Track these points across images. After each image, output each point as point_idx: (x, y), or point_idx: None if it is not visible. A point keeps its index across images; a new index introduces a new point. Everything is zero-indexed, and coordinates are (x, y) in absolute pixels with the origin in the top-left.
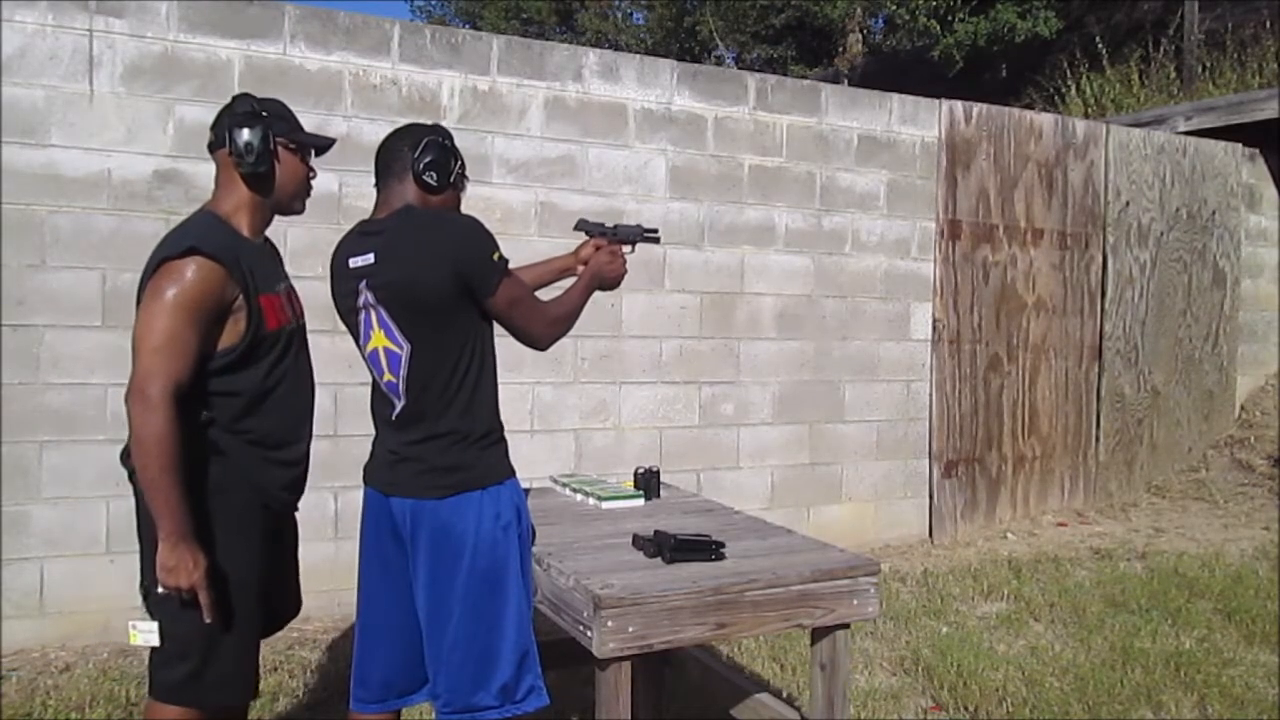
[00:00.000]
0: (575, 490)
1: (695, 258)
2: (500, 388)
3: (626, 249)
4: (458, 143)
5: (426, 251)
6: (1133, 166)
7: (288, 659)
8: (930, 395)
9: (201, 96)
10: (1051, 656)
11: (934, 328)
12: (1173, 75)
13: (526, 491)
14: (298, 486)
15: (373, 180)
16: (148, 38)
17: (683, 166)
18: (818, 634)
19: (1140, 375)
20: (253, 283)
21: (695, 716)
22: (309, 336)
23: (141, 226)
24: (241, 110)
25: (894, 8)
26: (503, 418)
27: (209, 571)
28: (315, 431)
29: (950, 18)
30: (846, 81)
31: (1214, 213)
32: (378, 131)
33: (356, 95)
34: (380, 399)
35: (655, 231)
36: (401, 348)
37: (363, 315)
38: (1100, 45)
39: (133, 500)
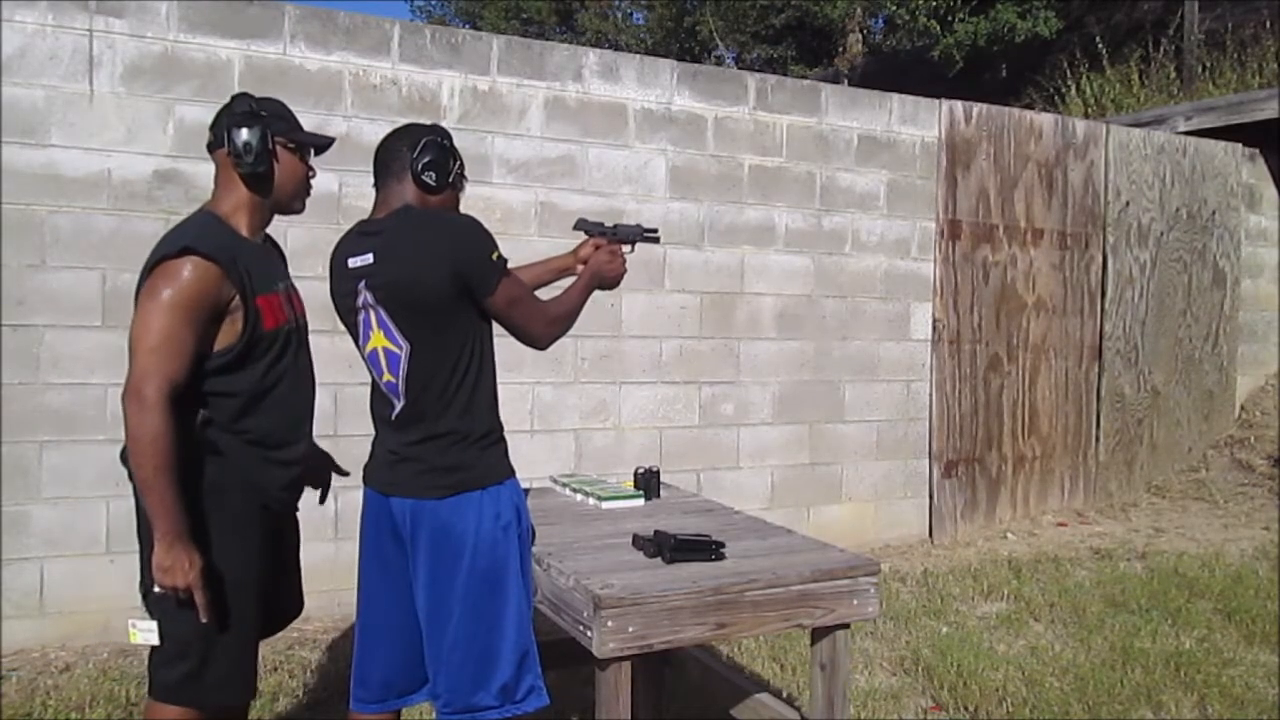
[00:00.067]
0: (575, 490)
1: (695, 258)
2: (500, 388)
3: (626, 248)
4: (457, 143)
5: (425, 251)
6: (1133, 166)
7: (288, 659)
8: (930, 395)
9: (201, 96)
10: (1051, 656)
11: (934, 328)
12: (1173, 75)
13: (526, 491)
14: (297, 486)
15: (372, 180)
16: (148, 38)
17: (683, 166)
18: (818, 634)
19: (1140, 375)
20: (250, 283)
21: (695, 716)
22: (309, 336)
23: (141, 226)
24: (240, 110)
25: (894, 8)
26: (503, 418)
27: (205, 571)
28: (315, 431)
29: (950, 18)
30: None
31: (1214, 213)
32: (378, 131)
33: (356, 95)
34: (380, 399)
35: (655, 231)
36: (401, 348)
37: (362, 315)
38: (1100, 45)
39: (132, 500)
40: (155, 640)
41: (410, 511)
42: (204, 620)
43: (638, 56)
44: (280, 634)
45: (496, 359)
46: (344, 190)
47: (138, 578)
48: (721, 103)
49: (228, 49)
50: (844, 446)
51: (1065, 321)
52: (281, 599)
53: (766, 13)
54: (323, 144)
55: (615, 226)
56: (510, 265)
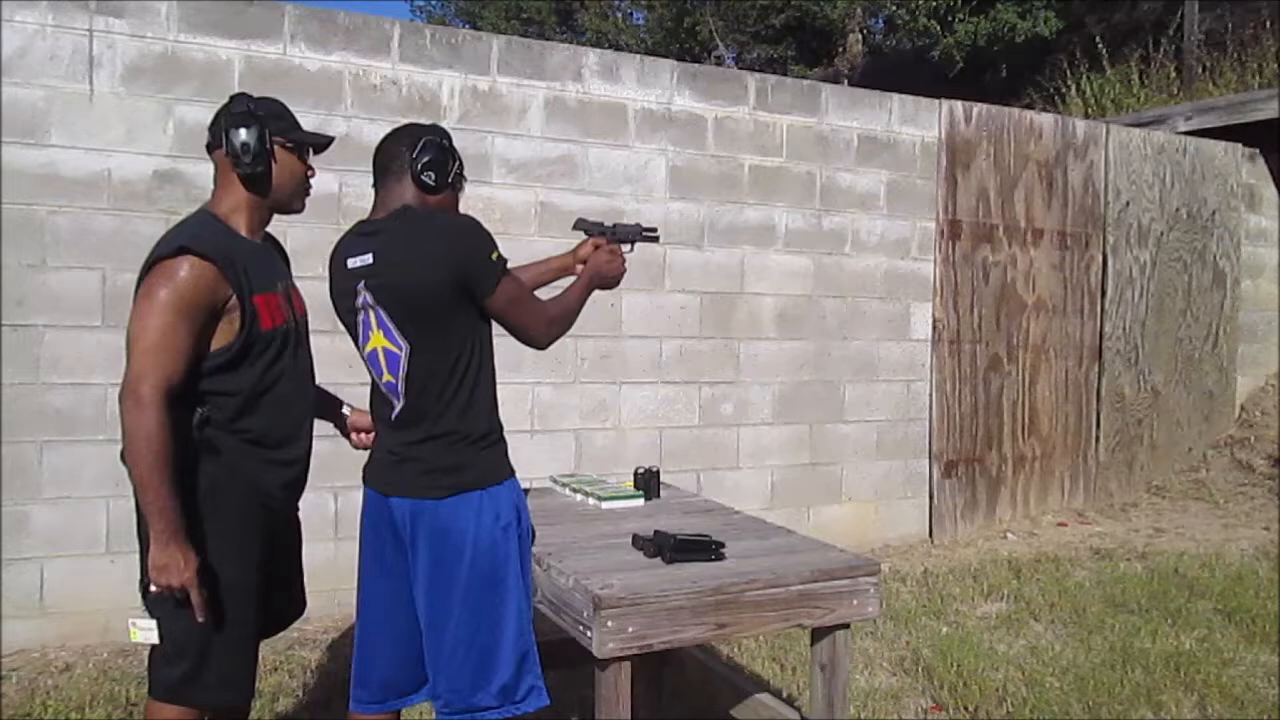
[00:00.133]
0: (575, 490)
1: (695, 258)
2: (500, 388)
3: (625, 248)
4: (457, 143)
5: (425, 252)
6: (1133, 166)
7: (288, 659)
8: (930, 395)
9: (201, 96)
10: (1051, 656)
11: (934, 328)
12: (1173, 75)
13: (526, 491)
14: (297, 486)
15: (371, 181)
16: (148, 38)
17: (683, 166)
18: (818, 634)
19: (1140, 375)
20: (247, 282)
21: (695, 716)
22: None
23: (141, 226)
24: (237, 110)
25: (894, 8)
26: (503, 418)
27: (201, 571)
28: (316, 432)
29: (950, 18)
30: (846, 81)
31: (1214, 213)
32: (378, 131)
33: (356, 95)
34: (379, 399)
35: (654, 230)
36: (400, 348)
37: (361, 316)
38: (1100, 45)
39: (132, 500)
40: (155, 639)
41: (410, 512)
42: (200, 620)
43: (638, 56)
44: (281, 634)
45: (496, 359)
46: (344, 190)
47: (138, 577)
48: (721, 103)
49: (228, 49)
50: (844, 446)
51: (1065, 321)
52: (282, 599)
53: (766, 13)
54: (321, 143)
55: (614, 226)
56: (510, 265)
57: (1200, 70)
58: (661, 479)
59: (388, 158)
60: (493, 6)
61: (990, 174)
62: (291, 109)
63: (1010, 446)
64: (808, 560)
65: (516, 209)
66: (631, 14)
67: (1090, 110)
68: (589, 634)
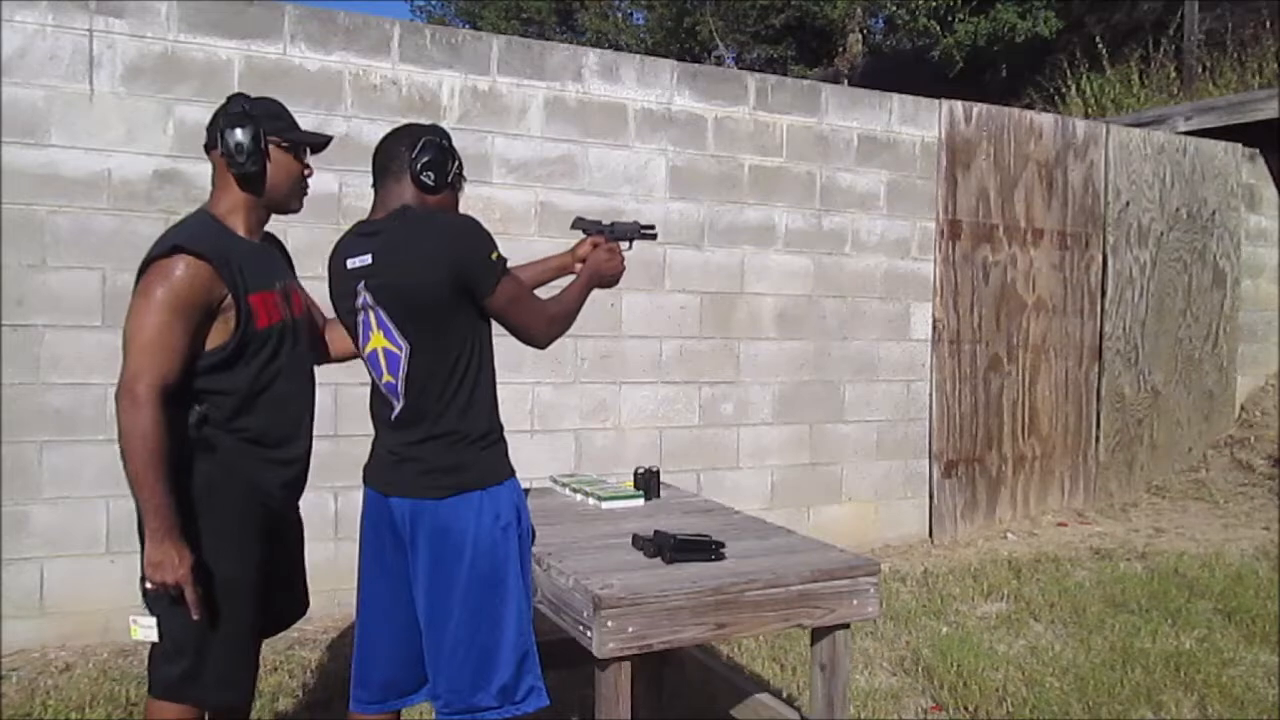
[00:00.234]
0: (575, 490)
1: (695, 258)
2: (500, 388)
3: (624, 246)
4: (457, 143)
5: (424, 252)
6: (1133, 166)
7: (288, 659)
8: (930, 395)
9: (201, 96)
10: (1051, 656)
11: (934, 328)
12: (1173, 75)
13: (526, 491)
14: (296, 485)
15: (371, 181)
16: (148, 38)
17: (683, 166)
18: (818, 634)
19: (1140, 375)
20: (242, 281)
21: (695, 716)
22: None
23: (141, 226)
24: (233, 111)
25: (894, 8)
26: (503, 418)
27: (196, 568)
28: (315, 431)
29: (950, 18)
30: (846, 81)
31: (1214, 213)
32: (378, 131)
33: (356, 95)
34: (379, 400)
35: (652, 228)
36: (400, 348)
37: (361, 316)
38: (1100, 45)
39: (132, 499)
40: (155, 637)
41: (410, 512)
42: (195, 617)
43: (638, 56)
44: (281, 634)
45: (496, 359)
46: (344, 190)
47: (139, 574)
48: (721, 103)
49: (228, 49)
50: (844, 446)
51: (1065, 321)
52: (283, 599)
53: (766, 13)
54: (318, 142)
55: (613, 224)
56: (509, 265)
57: (1200, 70)
58: (661, 479)
59: (387, 158)
60: (493, 6)
61: (990, 174)
62: (291, 109)
63: (1010, 446)
64: (808, 560)
65: (516, 209)
66: (631, 14)
67: (1090, 110)
68: (589, 634)
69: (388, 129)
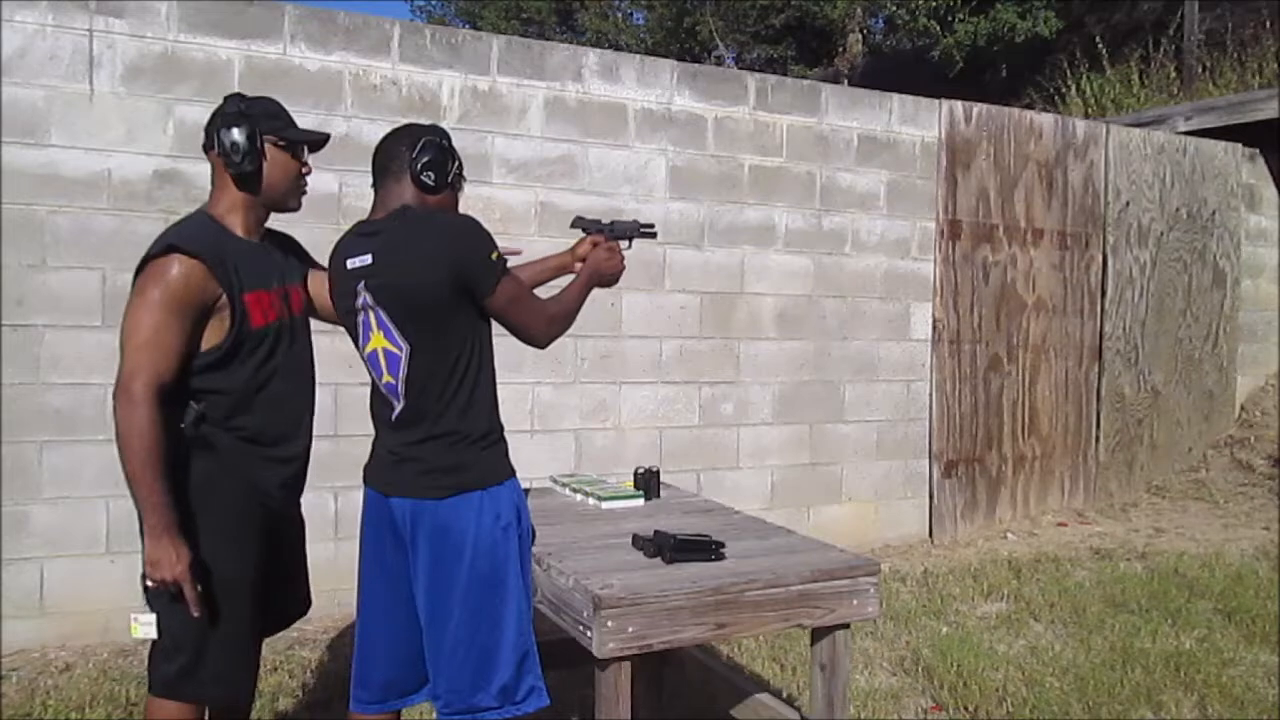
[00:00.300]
0: (575, 490)
1: (695, 258)
2: (500, 388)
3: (623, 245)
4: (457, 143)
5: (424, 252)
6: (1133, 166)
7: (288, 659)
8: (930, 395)
9: (201, 96)
10: (1051, 656)
11: (934, 328)
12: (1173, 75)
13: (526, 491)
14: (295, 483)
15: (371, 181)
16: (148, 38)
17: (683, 166)
18: (818, 634)
19: (1140, 375)
20: (237, 281)
21: (695, 716)
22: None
23: (141, 226)
24: (229, 111)
25: (894, 8)
26: (503, 418)
27: (194, 566)
28: (315, 431)
29: (950, 18)
30: (846, 81)
31: (1214, 213)
32: (378, 131)
33: (356, 95)
34: (380, 400)
35: (651, 226)
36: (400, 349)
37: (361, 317)
38: (1100, 45)
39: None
40: (154, 634)
41: (410, 512)
42: (195, 614)
43: (638, 56)
44: (281, 634)
45: (496, 359)
46: (344, 190)
47: (140, 573)
48: (721, 103)
49: (228, 49)
50: (844, 446)
51: (1065, 321)
52: (284, 597)
53: (766, 13)
54: (315, 140)
55: (612, 223)
56: (509, 264)
57: (1200, 70)
58: (661, 479)
59: (387, 158)
60: (493, 6)
61: (990, 174)
62: (291, 109)
63: (1010, 446)
64: (808, 560)
65: (516, 209)
66: (631, 14)
67: (1090, 110)
68: (589, 634)
69: (388, 129)
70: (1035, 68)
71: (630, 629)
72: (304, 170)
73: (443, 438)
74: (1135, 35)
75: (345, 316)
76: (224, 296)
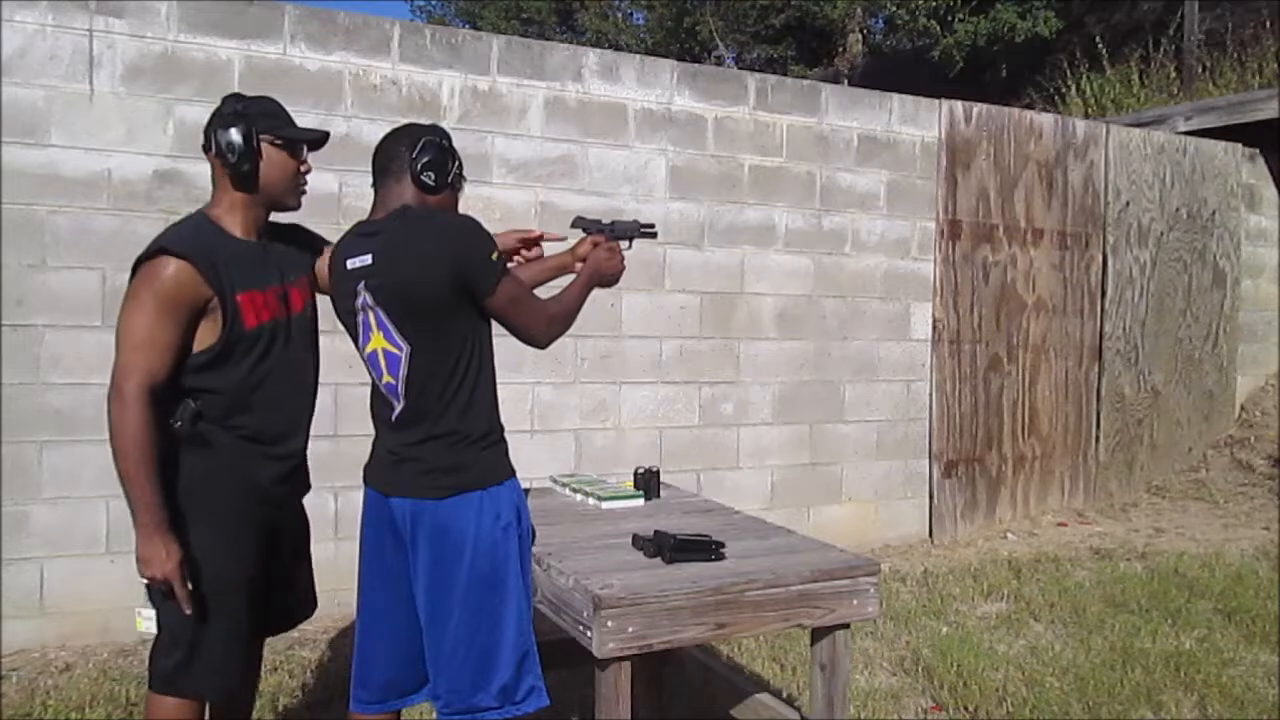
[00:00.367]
0: (575, 490)
1: (695, 258)
2: (500, 388)
3: (624, 245)
4: (457, 143)
5: (424, 252)
6: (1133, 166)
7: (288, 659)
8: (930, 395)
9: (201, 96)
10: (1051, 656)
11: (934, 328)
12: (1173, 75)
13: (526, 491)
14: (293, 479)
15: (371, 181)
16: (148, 38)
17: (683, 166)
18: (818, 634)
19: (1140, 375)
20: (229, 281)
21: (695, 716)
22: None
23: (141, 226)
24: (226, 111)
25: (894, 8)
26: (503, 418)
27: (184, 564)
28: (315, 431)
29: (950, 18)
30: (846, 81)
31: (1214, 213)
32: (378, 131)
33: (356, 95)
34: (380, 400)
35: (652, 226)
36: (400, 349)
37: (361, 317)
38: (1100, 45)
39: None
40: (155, 629)
41: (410, 512)
42: (186, 612)
43: (638, 56)
44: (281, 634)
45: (496, 359)
46: (344, 190)
47: None
48: (721, 103)
49: (228, 49)
50: (844, 446)
51: (1065, 321)
52: (286, 596)
53: (766, 13)
54: (312, 139)
55: (613, 223)
56: (509, 265)
57: (1200, 70)
58: (661, 479)
59: (387, 158)
60: (493, 6)
61: (990, 174)
62: (291, 109)
63: (1010, 446)
64: (808, 560)
65: (516, 209)
66: (631, 14)
67: (1090, 110)
68: (589, 634)
69: (388, 129)
70: (1035, 68)
71: (630, 629)
72: (303, 169)
73: (443, 438)
74: (1135, 35)
75: (345, 316)
76: (214, 298)
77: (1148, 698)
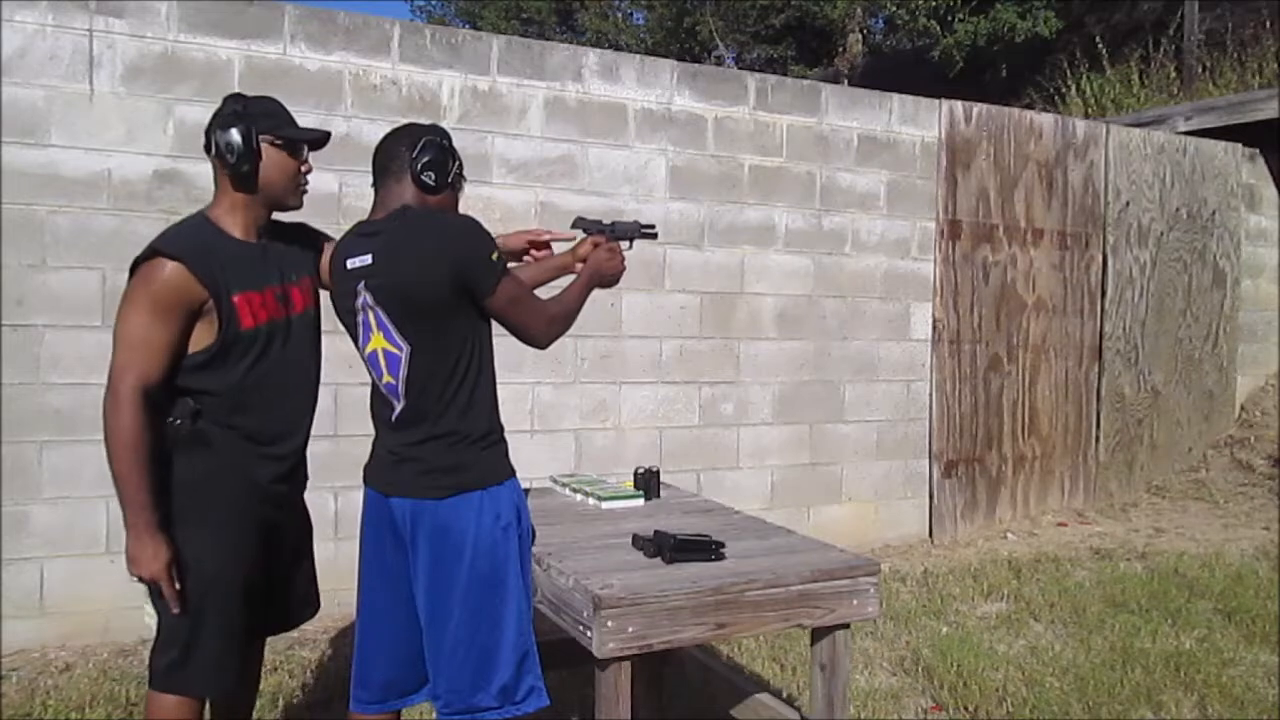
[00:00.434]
0: (575, 490)
1: (695, 258)
2: (500, 388)
3: (624, 245)
4: (457, 143)
5: (425, 252)
6: (1133, 166)
7: (288, 659)
8: (930, 395)
9: (201, 96)
10: (1051, 656)
11: (934, 328)
12: (1173, 75)
13: (526, 491)
14: (291, 478)
15: (371, 181)
16: (148, 38)
17: (683, 166)
18: (818, 634)
19: (1140, 375)
20: (224, 282)
21: (695, 716)
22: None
23: (141, 227)
24: (226, 111)
25: (894, 8)
26: (503, 418)
27: (172, 564)
28: (315, 431)
29: (950, 18)
30: (846, 81)
31: (1214, 213)
32: (378, 131)
33: (356, 95)
34: (380, 400)
35: (652, 227)
36: (400, 349)
37: (361, 317)
38: (1100, 45)
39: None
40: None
41: (410, 512)
42: (175, 610)
43: (638, 56)
44: (281, 634)
45: (496, 359)
46: (344, 190)
47: None
48: (721, 103)
49: (228, 49)
50: (844, 446)
51: (1065, 321)
52: (285, 596)
53: (766, 13)
54: (313, 138)
55: (613, 224)
56: (509, 265)
57: (1200, 70)
58: (661, 479)
59: (387, 158)
60: (493, 6)
61: (990, 174)
62: (291, 109)
63: (1010, 446)
64: (808, 560)
65: (516, 209)
66: (631, 14)
67: (1090, 110)
68: (589, 634)
69: (388, 129)
70: (1035, 68)
71: (630, 629)
72: (303, 169)
73: (443, 438)
74: (1135, 35)
75: (345, 316)
76: (209, 299)
77: (1148, 698)
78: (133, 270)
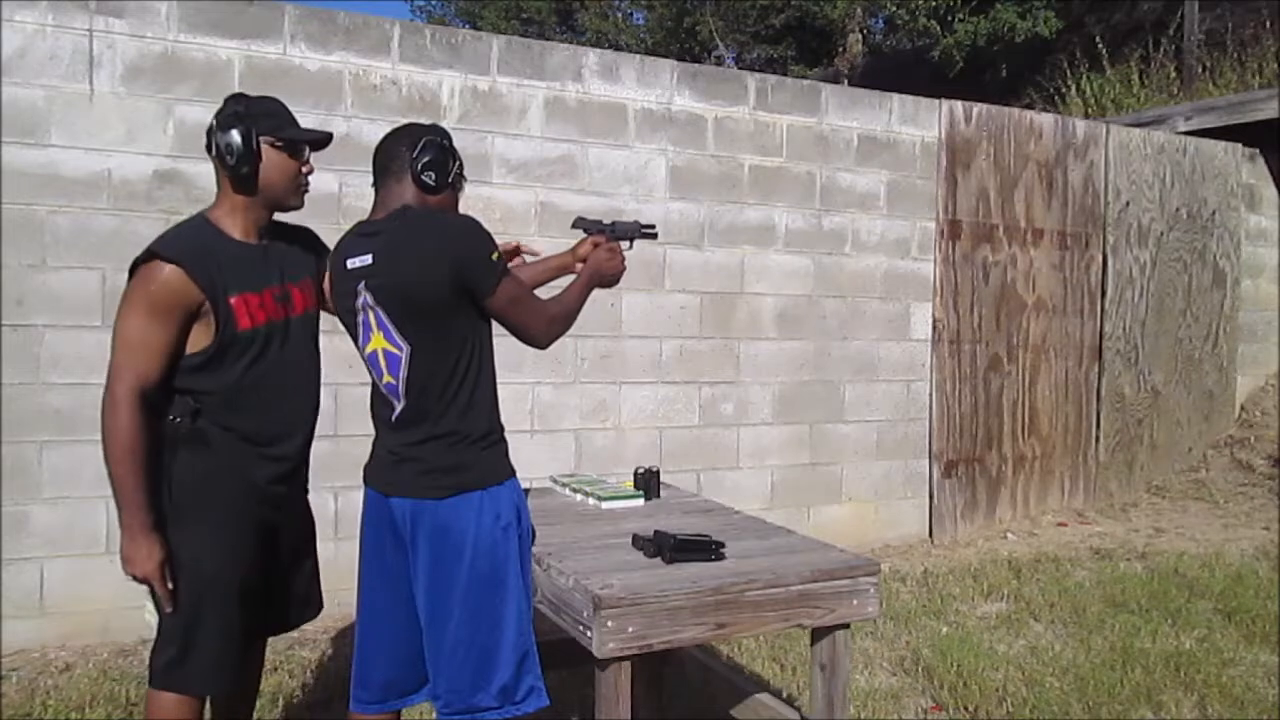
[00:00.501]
0: (575, 490)
1: (695, 258)
2: (500, 388)
3: (624, 245)
4: (457, 143)
5: (425, 252)
6: (1133, 166)
7: (288, 659)
8: (930, 395)
9: (201, 96)
10: (1051, 656)
11: (934, 328)
12: (1173, 75)
13: (526, 491)
14: (290, 479)
15: (371, 181)
16: (148, 38)
17: (683, 166)
18: (818, 634)
19: (1140, 375)
20: (223, 284)
21: (695, 716)
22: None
23: (141, 227)
24: (226, 112)
25: (894, 8)
26: (503, 418)
27: (165, 564)
28: (316, 431)
29: (950, 18)
30: (846, 81)
31: (1214, 213)
32: (378, 131)
33: (356, 95)
34: (380, 400)
35: (652, 227)
36: (401, 349)
37: (361, 317)
38: (1100, 45)
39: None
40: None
41: (410, 512)
42: (168, 610)
43: (638, 56)
44: (282, 634)
45: (496, 359)
46: (344, 190)
47: None
48: (721, 103)
49: (228, 49)
50: (844, 446)
51: (1065, 321)
52: (285, 597)
53: (766, 13)
54: (313, 139)
55: (614, 224)
56: (509, 264)
57: (1200, 70)
58: (661, 479)
59: (387, 158)
60: (493, 6)
61: (990, 174)
62: (292, 109)
63: (1010, 446)
64: (808, 560)
65: (516, 209)
66: (631, 14)
67: (1090, 110)
68: (589, 634)
69: (388, 129)
70: (1035, 68)
71: (630, 629)
72: (304, 170)
73: (443, 438)
74: (1135, 35)
75: (345, 316)
76: (207, 302)
77: (1148, 698)
78: (131, 272)
